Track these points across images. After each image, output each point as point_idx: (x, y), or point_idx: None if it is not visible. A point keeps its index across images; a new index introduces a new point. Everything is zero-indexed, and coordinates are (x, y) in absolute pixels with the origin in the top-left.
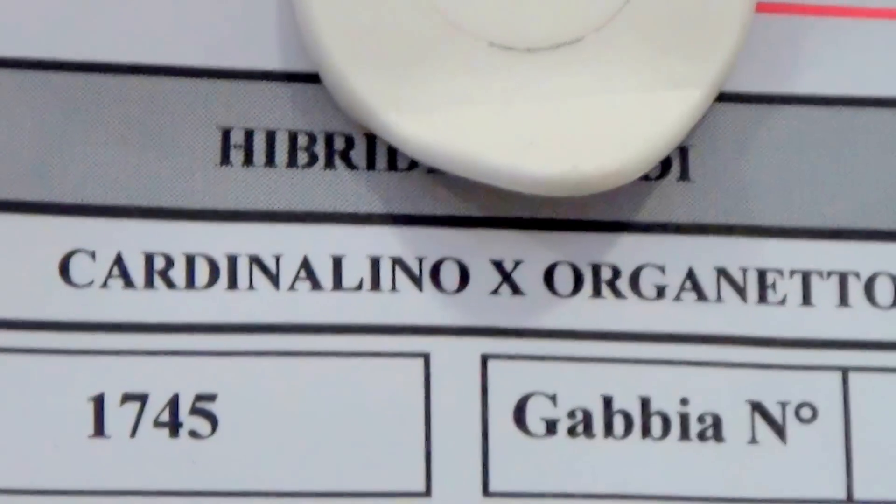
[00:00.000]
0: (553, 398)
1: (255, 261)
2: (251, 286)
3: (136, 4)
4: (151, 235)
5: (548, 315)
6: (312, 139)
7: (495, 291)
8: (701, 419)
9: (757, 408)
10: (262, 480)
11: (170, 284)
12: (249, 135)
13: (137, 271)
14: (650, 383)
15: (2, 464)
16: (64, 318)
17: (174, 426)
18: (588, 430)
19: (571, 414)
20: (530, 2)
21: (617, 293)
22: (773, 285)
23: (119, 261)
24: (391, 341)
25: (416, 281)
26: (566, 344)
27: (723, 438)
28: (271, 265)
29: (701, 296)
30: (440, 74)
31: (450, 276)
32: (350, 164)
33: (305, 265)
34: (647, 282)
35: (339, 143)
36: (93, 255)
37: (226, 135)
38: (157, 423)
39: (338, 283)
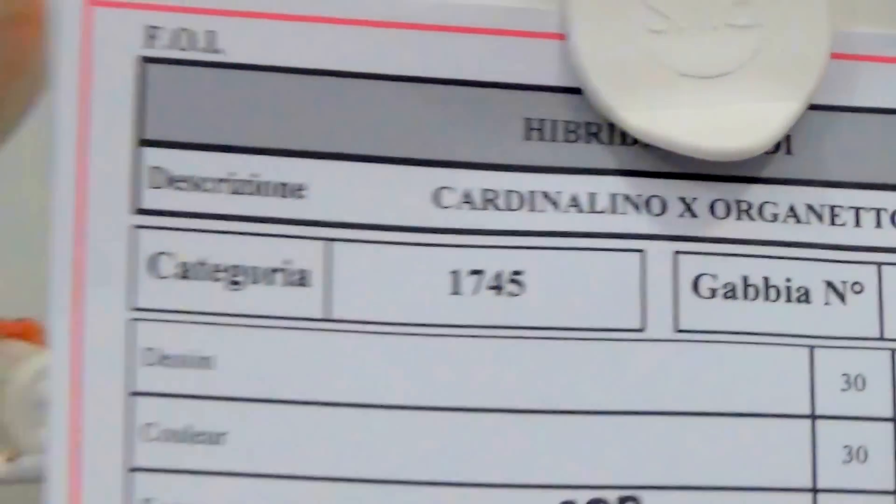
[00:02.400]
0: (714, 276)
1: (544, 194)
2: (543, 210)
3: (472, 45)
4: (488, 179)
5: (710, 229)
6: (578, 125)
7: (681, 215)
8: (798, 290)
9: (829, 284)
10: (552, 320)
11: (496, 207)
12: (542, 122)
13: (479, 198)
14: (768, 268)
15: (397, 306)
16: (437, 226)
17: (498, 288)
18: (733, 296)
19: (724, 285)
20: (706, 48)
21: (750, 217)
22: (839, 215)
23: (468, 194)
24: (621, 243)
25: (636, 208)
26: (719, 246)
27: (810, 301)
28: (561, 197)
29: (798, 221)
30: (652, 89)
31: (656, 206)
32: (599, 140)
33: (574, 198)
34: (767, 212)
35: (593, 129)
36: (451, 190)
37: (528, 122)
38: (489, 287)
39: (592, 208)
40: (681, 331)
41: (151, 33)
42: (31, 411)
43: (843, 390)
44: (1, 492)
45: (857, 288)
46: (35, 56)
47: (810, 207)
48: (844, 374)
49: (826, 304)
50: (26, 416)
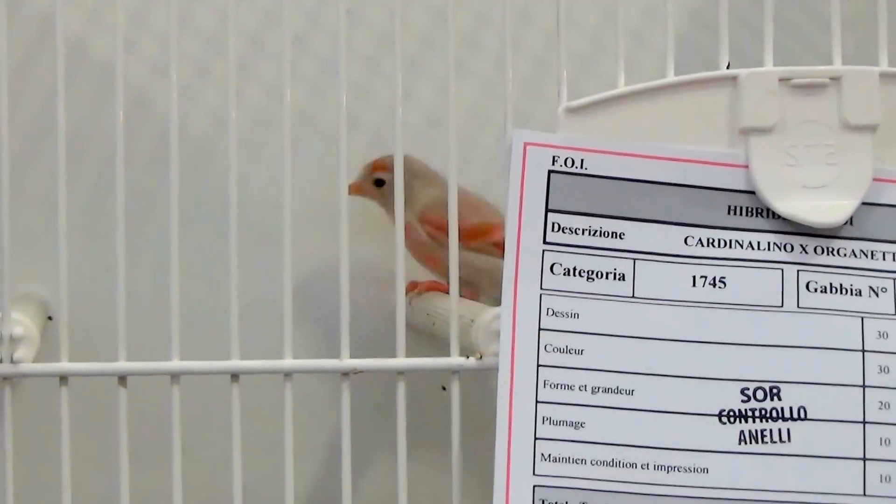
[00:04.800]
0: (816, 282)
1: (737, 240)
2: (735, 248)
3: (706, 169)
4: (711, 232)
5: (814, 259)
6: (752, 208)
7: (801, 252)
8: (856, 290)
9: (871, 288)
10: (739, 300)
11: (714, 246)
12: (736, 206)
13: (705, 241)
14: (840, 279)
15: (665, 291)
16: (685, 254)
17: (713, 284)
18: (825, 292)
19: (821, 287)
20: (815, 175)
21: (833, 254)
22: (874, 254)
23: (700, 239)
24: (771, 265)
25: (779, 248)
26: (818, 268)
27: (860, 295)
28: (744, 242)
29: (856, 256)
30: (789, 192)
31: (788, 247)
32: (763, 216)
33: (750, 242)
34: (841, 252)
35: (760, 210)
36: (692, 237)
37: (729, 206)
38: (709, 283)
39: (758, 247)
40: (800, 307)
41: (554, 160)
42: (490, 335)
43: (877, 338)
44: (473, 374)
45: (883, 290)
46: None
47: (861, 251)
48: (880, 330)
49: (869, 297)
50: (487, 337)
